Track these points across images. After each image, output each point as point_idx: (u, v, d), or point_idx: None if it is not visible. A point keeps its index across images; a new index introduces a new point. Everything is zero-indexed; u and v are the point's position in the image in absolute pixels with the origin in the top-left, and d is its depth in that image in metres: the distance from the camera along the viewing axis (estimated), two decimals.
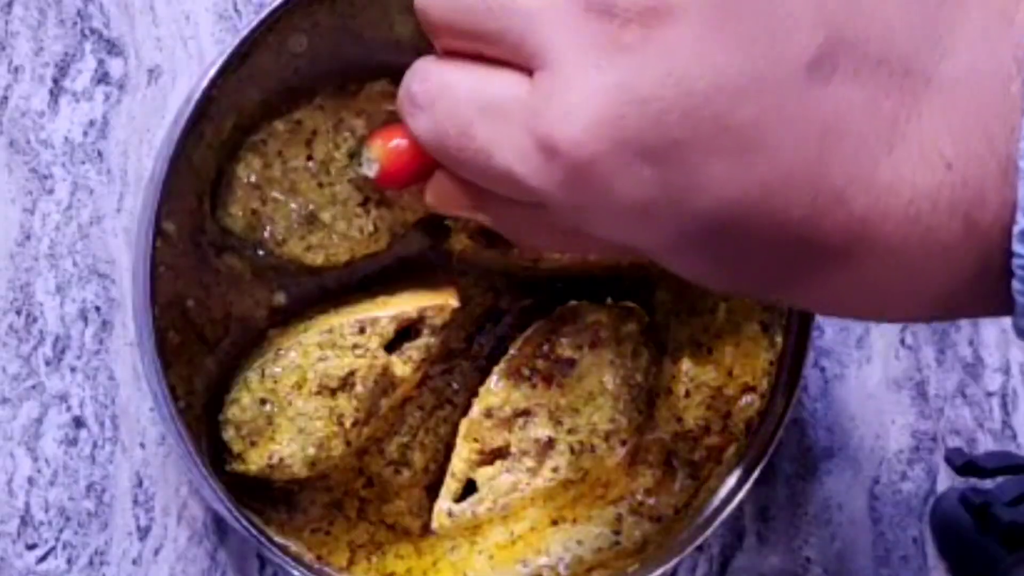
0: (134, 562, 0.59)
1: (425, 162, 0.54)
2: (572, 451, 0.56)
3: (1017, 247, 0.31)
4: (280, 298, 0.56)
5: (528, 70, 0.36)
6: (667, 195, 0.33)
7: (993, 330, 0.63)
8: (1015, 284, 0.32)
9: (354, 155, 0.54)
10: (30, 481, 0.59)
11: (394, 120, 0.55)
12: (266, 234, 0.54)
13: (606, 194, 0.34)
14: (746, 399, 0.58)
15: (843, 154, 0.33)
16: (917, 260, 0.33)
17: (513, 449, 0.56)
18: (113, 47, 0.59)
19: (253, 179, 0.54)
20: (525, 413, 0.56)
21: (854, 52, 0.33)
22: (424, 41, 0.55)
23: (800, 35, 0.33)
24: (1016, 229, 0.31)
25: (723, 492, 0.57)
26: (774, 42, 0.33)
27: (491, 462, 0.57)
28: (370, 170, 0.54)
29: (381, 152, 0.54)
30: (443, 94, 0.39)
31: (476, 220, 0.46)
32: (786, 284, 0.36)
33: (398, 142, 0.54)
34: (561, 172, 0.34)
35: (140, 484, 0.59)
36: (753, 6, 0.33)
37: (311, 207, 0.54)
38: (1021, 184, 0.31)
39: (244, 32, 0.52)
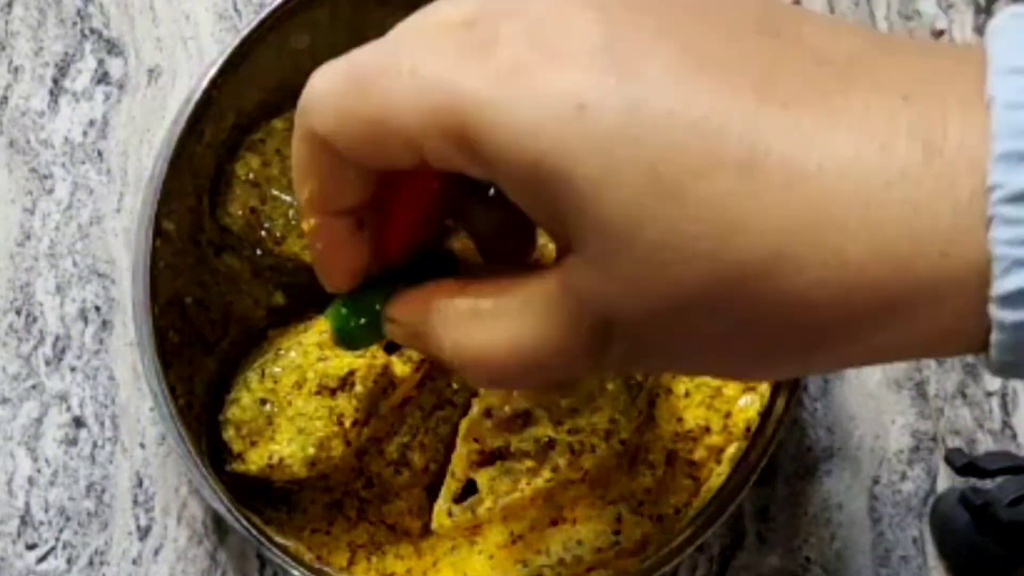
0: (134, 562, 0.59)
1: None
2: (572, 451, 0.56)
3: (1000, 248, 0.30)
4: (279, 298, 0.56)
5: None
6: (606, 80, 0.31)
7: None
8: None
9: None
10: (30, 481, 0.59)
11: None
12: (265, 233, 0.54)
13: (542, 78, 0.31)
14: (746, 399, 0.58)
15: (791, 80, 0.32)
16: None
17: (513, 449, 0.56)
18: (113, 47, 0.59)
19: (252, 177, 0.54)
20: (525, 413, 0.56)
21: (792, 29, 0.33)
22: None
23: (743, 3, 0.33)
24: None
25: (723, 492, 0.57)
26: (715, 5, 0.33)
27: (491, 462, 0.57)
28: None
29: None
30: (353, 53, 0.36)
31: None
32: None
33: None
34: (501, 61, 0.32)
35: (140, 484, 0.59)
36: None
37: None
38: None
39: (244, 32, 0.52)
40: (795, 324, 0.32)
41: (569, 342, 0.34)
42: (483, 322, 0.35)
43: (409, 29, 0.35)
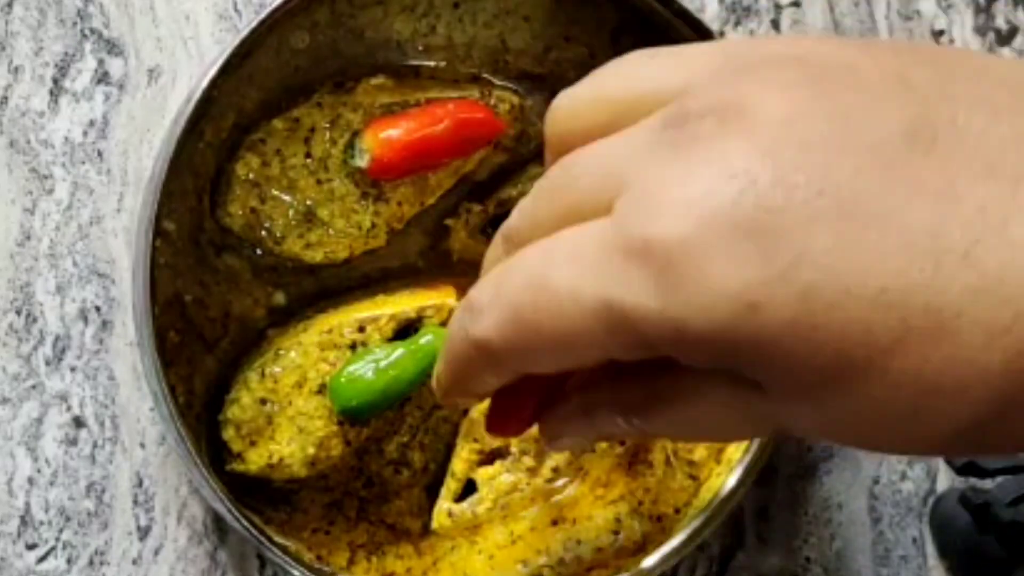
0: (134, 562, 0.59)
1: (417, 154, 0.55)
2: (572, 451, 0.56)
3: None
4: (279, 298, 0.56)
5: (603, 213, 0.33)
6: (769, 272, 0.30)
7: None
8: None
9: (348, 148, 0.54)
10: (30, 481, 0.58)
11: (389, 113, 0.55)
12: (265, 232, 0.54)
13: (705, 282, 0.30)
14: None
15: (963, 215, 0.30)
16: None
17: (513, 449, 0.56)
18: (113, 47, 0.59)
19: (252, 177, 0.54)
20: None
21: (954, 126, 0.30)
22: (423, 40, 0.56)
23: (889, 110, 0.31)
24: None
25: (723, 492, 0.57)
26: (865, 116, 0.31)
27: (491, 462, 0.57)
28: (362, 161, 0.54)
29: (373, 143, 0.54)
30: (506, 279, 0.35)
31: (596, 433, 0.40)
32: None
33: (390, 133, 0.54)
34: (656, 268, 0.31)
35: (140, 484, 0.59)
36: (835, 91, 0.31)
37: (309, 204, 0.54)
38: None
39: (244, 32, 0.52)
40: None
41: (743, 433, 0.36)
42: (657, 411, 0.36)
43: (544, 234, 0.34)
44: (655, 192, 0.31)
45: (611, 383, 0.37)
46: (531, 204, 0.36)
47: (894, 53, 0.32)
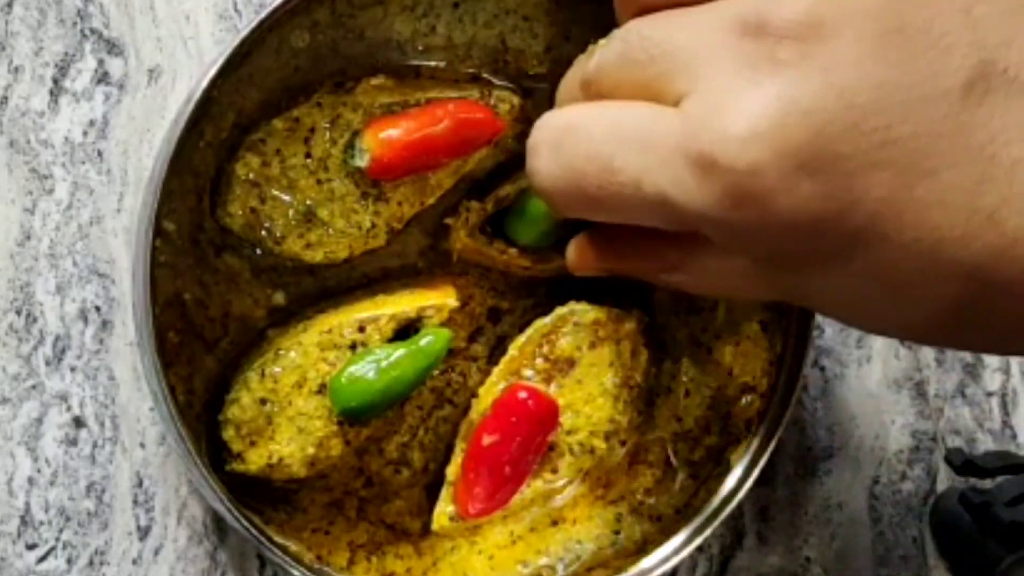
0: (134, 562, 0.59)
1: (417, 154, 0.55)
2: (572, 452, 0.56)
3: None
4: (279, 297, 0.56)
5: (671, 102, 0.36)
6: (826, 209, 0.32)
7: None
8: None
9: (348, 148, 0.54)
10: (30, 481, 0.59)
11: (389, 113, 0.55)
12: (265, 232, 0.54)
13: (765, 209, 0.33)
14: (746, 399, 0.58)
15: (996, 175, 0.32)
16: None
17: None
18: (113, 47, 0.60)
19: (252, 177, 0.54)
20: None
21: (1005, 77, 0.33)
22: (423, 40, 0.56)
23: (954, 56, 0.33)
24: None
25: (723, 492, 0.57)
26: (930, 62, 0.33)
27: None
28: (362, 161, 0.54)
29: (373, 143, 0.54)
30: (571, 134, 0.39)
31: (625, 272, 0.48)
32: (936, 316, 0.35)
33: (390, 133, 0.54)
34: (720, 187, 0.33)
35: (140, 484, 0.59)
36: (909, 25, 0.33)
37: (309, 204, 0.54)
38: None
39: (244, 32, 0.52)
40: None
41: None
42: None
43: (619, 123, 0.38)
44: (726, 107, 0.33)
45: (650, 238, 0.42)
46: (613, 65, 0.39)
47: None
